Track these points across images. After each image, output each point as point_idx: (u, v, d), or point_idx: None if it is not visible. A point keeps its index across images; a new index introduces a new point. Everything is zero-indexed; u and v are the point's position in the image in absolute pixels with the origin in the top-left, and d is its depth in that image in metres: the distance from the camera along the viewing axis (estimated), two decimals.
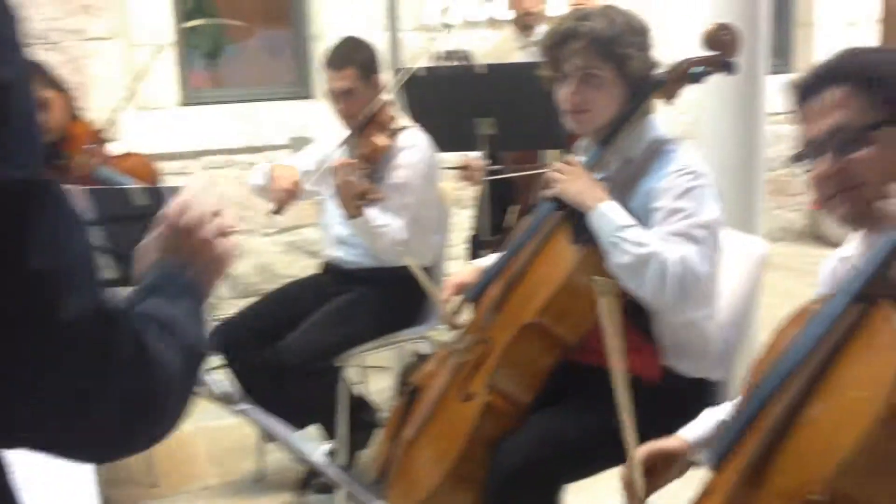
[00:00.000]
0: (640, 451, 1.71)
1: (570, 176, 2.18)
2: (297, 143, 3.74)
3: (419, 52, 3.65)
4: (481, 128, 3.43)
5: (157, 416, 0.89)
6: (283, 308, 3.23)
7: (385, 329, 3.16)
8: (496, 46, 4.45)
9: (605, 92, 2.18)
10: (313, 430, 3.19)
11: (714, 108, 3.51)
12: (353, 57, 3.10)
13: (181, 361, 0.91)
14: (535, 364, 2.17)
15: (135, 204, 2.73)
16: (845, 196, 1.53)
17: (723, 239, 2.21)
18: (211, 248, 1.11)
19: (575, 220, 2.15)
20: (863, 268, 1.40)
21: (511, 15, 4.31)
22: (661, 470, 1.76)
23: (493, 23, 5.34)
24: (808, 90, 1.55)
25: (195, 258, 1.09)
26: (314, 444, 1.26)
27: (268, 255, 5.30)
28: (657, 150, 2.21)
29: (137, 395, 0.85)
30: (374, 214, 2.99)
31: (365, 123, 3.12)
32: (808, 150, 1.56)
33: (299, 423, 3.20)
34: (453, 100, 3.44)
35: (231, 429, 3.50)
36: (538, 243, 2.24)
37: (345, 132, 3.16)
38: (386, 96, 3.18)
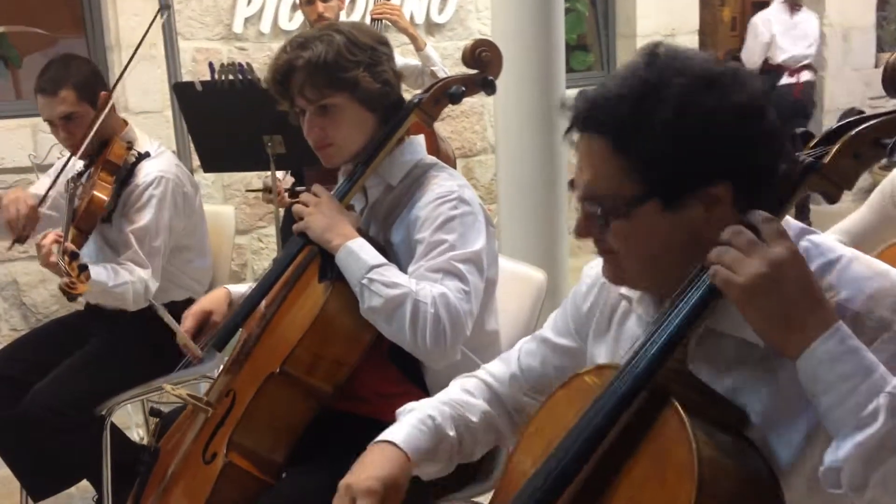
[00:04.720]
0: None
1: (315, 209, 1.96)
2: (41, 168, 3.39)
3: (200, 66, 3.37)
4: (270, 146, 3.18)
5: None
6: (37, 352, 2.88)
7: (153, 373, 2.82)
8: None
9: (346, 121, 1.98)
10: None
11: (512, 123, 3.37)
12: (67, 76, 2.72)
13: None
14: (285, 418, 1.93)
15: None
16: (604, 257, 1.34)
17: (493, 269, 2.04)
18: None
19: (324, 256, 1.93)
20: (650, 348, 1.20)
21: (305, 22, 4.08)
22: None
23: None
24: (573, 125, 1.30)
25: None
26: None
27: None
28: (419, 177, 2.02)
29: None
30: (106, 277, 2.62)
31: (97, 150, 2.76)
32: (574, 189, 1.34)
33: (66, 478, 2.90)
34: (236, 117, 3.17)
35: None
36: (290, 282, 2.02)
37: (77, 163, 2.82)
38: (116, 116, 2.84)
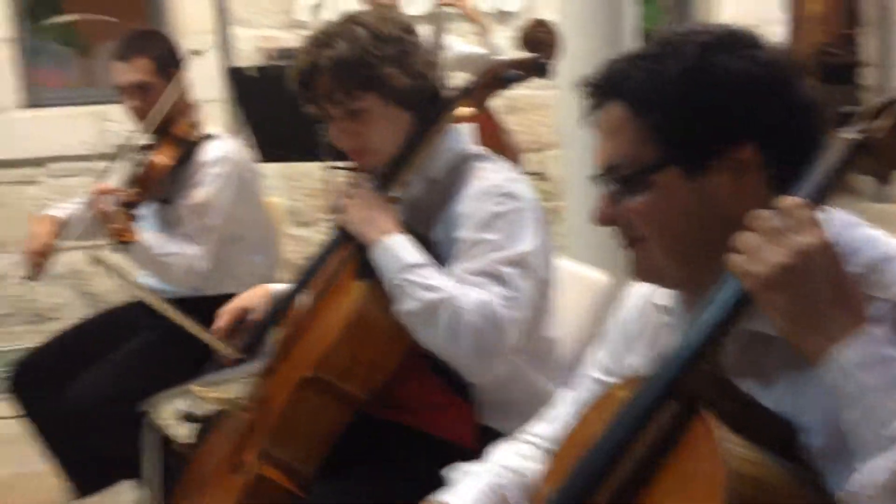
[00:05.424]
0: None
1: (356, 201, 1.81)
2: (125, 152, 3.33)
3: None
4: (325, 135, 3.05)
5: None
6: (86, 343, 2.82)
7: (205, 368, 2.73)
8: None
9: (379, 123, 1.82)
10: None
11: (576, 113, 3.18)
12: (147, 46, 2.72)
13: None
14: (317, 427, 1.79)
15: None
16: (632, 249, 1.19)
17: (549, 272, 1.87)
18: None
19: (362, 253, 1.79)
20: (678, 352, 1.05)
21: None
22: None
23: None
24: (591, 99, 1.19)
25: None
26: None
27: None
28: (463, 169, 1.86)
29: None
30: (154, 241, 2.58)
31: (162, 128, 2.73)
32: (597, 176, 1.21)
33: (107, 476, 2.82)
34: (290, 104, 3.04)
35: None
36: (328, 279, 1.88)
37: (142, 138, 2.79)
38: (186, 97, 2.80)
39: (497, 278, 1.72)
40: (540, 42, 1.87)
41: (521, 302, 1.73)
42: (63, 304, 4.79)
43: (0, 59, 4.56)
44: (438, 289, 1.68)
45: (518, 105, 5.42)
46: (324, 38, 1.80)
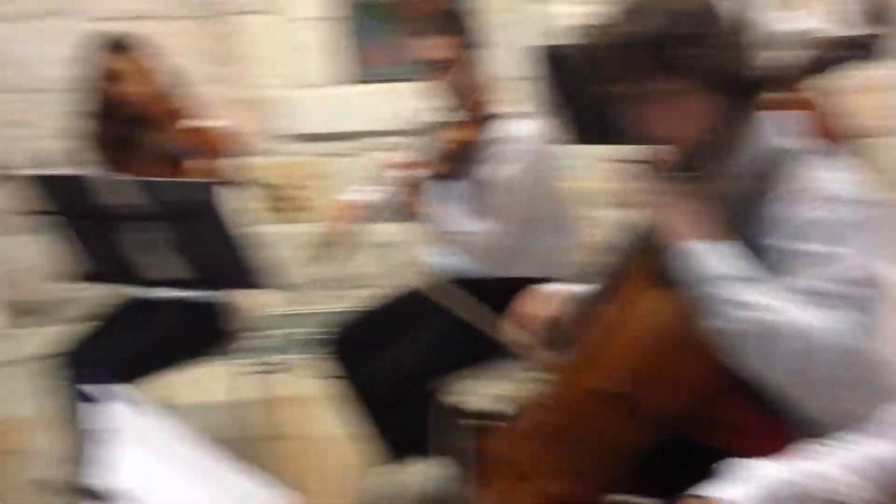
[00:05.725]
0: None
1: (665, 198, 1.64)
2: (429, 127, 3.34)
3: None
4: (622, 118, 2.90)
5: None
6: (401, 316, 2.90)
7: (498, 356, 2.67)
8: None
9: (683, 108, 1.61)
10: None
11: None
12: (455, 24, 2.75)
13: None
14: (612, 441, 1.66)
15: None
16: None
17: (884, 287, 1.57)
18: None
19: (666, 256, 1.62)
20: None
21: None
22: None
23: None
24: None
25: None
26: None
27: None
28: (777, 164, 1.62)
29: None
30: (453, 218, 2.57)
31: (466, 104, 2.77)
32: None
33: (409, 447, 2.83)
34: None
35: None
36: (626, 282, 1.72)
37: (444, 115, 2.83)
38: (490, 74, 2.82)
39: (821, 298, 1.49)
40: (877, 17, 1.60)
41: (849, 327, 1.48)
42: (371, 274, 4.96)
43: (329, 36, 4.76)
44: (753, 307, 1.49)
45: (869, 85, 4.86)
46: (626, 16, 1.63)
